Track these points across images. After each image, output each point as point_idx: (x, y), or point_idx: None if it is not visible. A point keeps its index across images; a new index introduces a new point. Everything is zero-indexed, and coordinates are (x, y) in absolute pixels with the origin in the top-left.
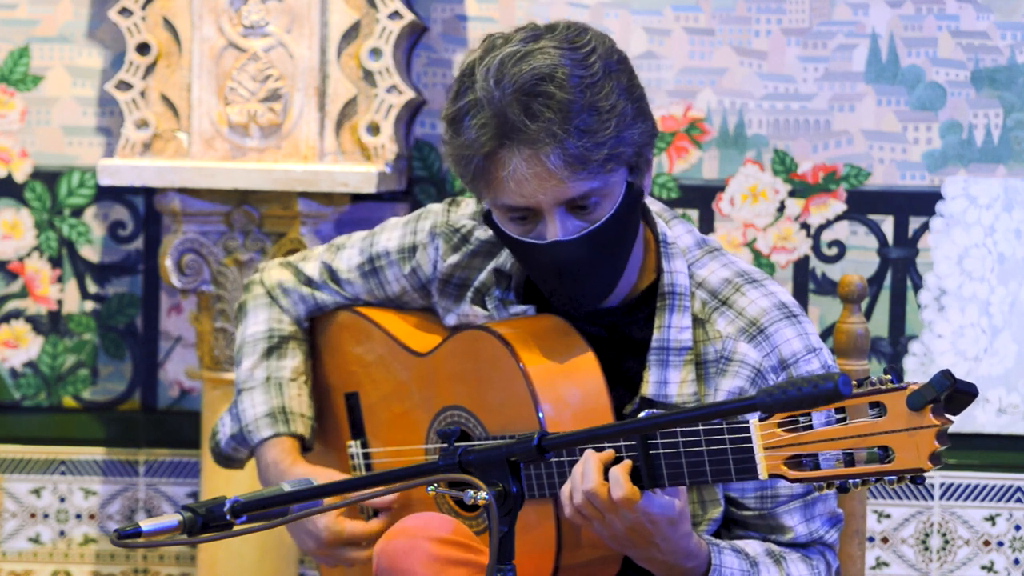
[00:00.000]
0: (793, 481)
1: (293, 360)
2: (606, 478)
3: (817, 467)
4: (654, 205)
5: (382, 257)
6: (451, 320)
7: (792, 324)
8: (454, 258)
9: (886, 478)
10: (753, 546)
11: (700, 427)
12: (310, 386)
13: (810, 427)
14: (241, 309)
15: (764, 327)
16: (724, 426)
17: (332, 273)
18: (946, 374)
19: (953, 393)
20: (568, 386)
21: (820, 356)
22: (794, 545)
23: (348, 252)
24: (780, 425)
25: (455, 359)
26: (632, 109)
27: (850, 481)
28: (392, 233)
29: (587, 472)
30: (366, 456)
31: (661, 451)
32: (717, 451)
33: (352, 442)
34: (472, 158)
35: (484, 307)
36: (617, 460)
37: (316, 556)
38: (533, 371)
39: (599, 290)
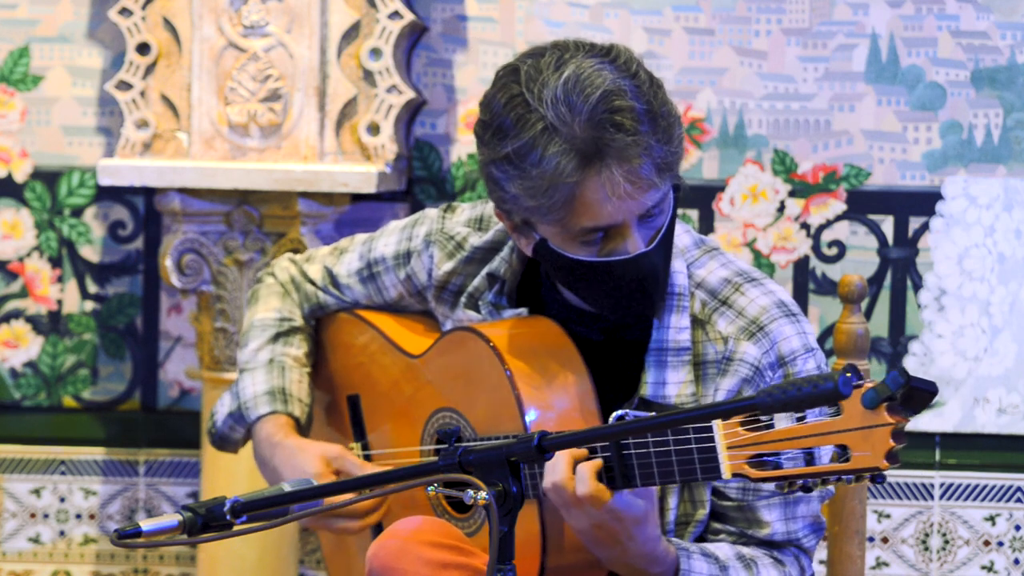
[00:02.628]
0: (755, 480)
1: (299, 350)
2: (575, 473)
3: (779, 467)
4: None
5: (379, 263)
6: (449, 326)
7: (792, 322)
8: (448, 265)
9: (844, 477)
10: (724, 549)
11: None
12: (311, 378)
13: (771, 426)
14: (253, 296)
15: (764, 324)
16: (690, 425)
17: (333, 278)
18: (901, 372)
19: (911, 391)
20: (554, 390)
21: (816, 356)
22: (770, 543)
23: (349, 256)
24: (742, 424)
25: (445, 361)
26: (676, 111)
27: (810, 481)
28: (389, 239)
29: (556, 465)
30: (367, 459)
31: (633, 451)
32: (683, 451)
33: (354, 444)
34: (556, 187)
35: (478, 311)
36: (590, 458)
37: (311, 525)
38: (518, 375)
39: (662, 294)
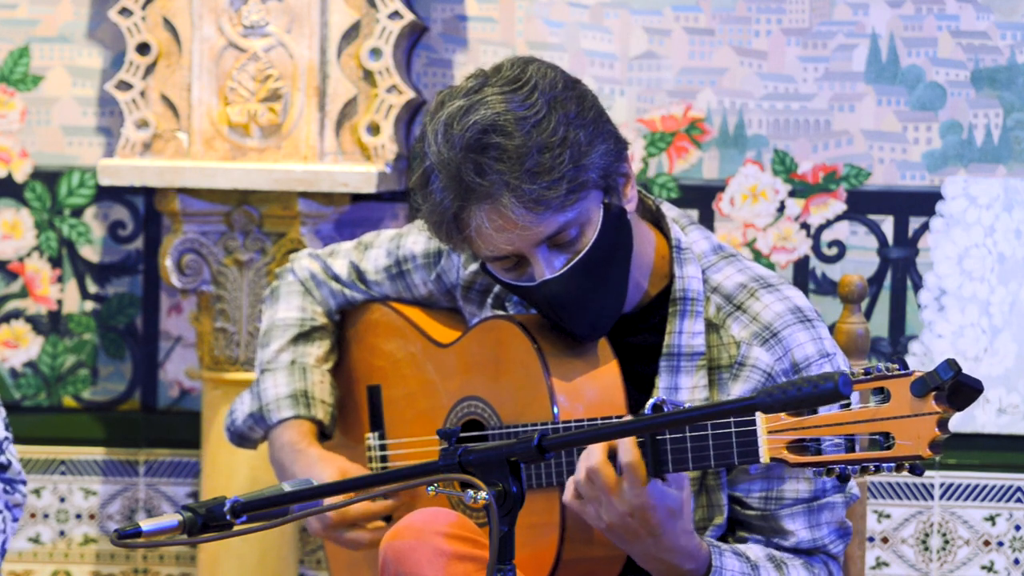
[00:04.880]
0: (793, 465)
1: (319, 349)
2: (610, 460)
3: (819, 452)
4: (670, 211)
5: (409, 260)
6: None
7: (806, 328)
8: (474, 265)
9: (885, 465)
10: (755, 550)
11: None
12: (332, 375)
13: (815, 411)
14: (273, 293)
15: (777, 331)
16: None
17: (360, 273)
18: (951, 363)
19: (958, 385)
20: (585, 380)
21: (833, 361)
22: (797, 551)
23: (375, 252)
24: None
25: (477, 348)
26: (586, 135)
27: (850, 468)
28: (419, 236)
29: (591, 451)
30: (382, 448)
31: (667, 435)
32: (721, 434)
33: (370, 434)
34: (442, 222)
35: (505, 312)
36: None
37: (321, 536)
38: (552, 362)
39: (606, 313)
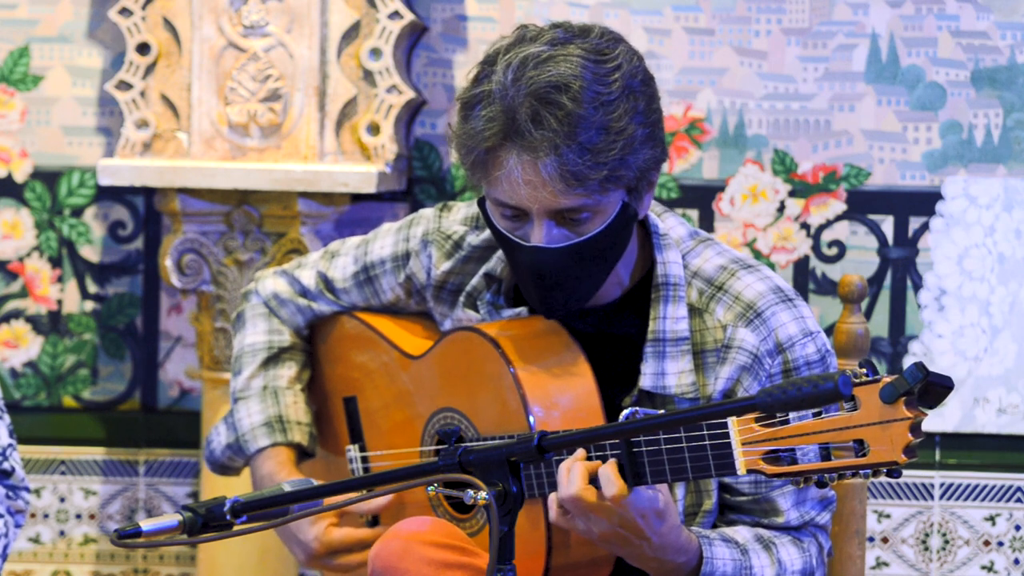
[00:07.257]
0: (771, 476)
1: (290, 370)
2: (591, 483)
3: (794, 461)
4: None
5: (377, 266)
6: (447, 325)
7: (788, 308)
8: (447, 265)
9: (861, 472)
10: (742, 532)
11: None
12: (306, 393)
13: (787, 422)
14: (239, 319)
15: (761, 311)
16: (703, 422)
17: (328, 283)
18: (919, 366)
19: (927, 386)
20: (558, 388)
21: (816, 340)
22: (786, 528)
23: (342, 260)
24: (757, 420)
25: (447, 361)
26: (643, 133)
27: (827, 475)
28: (385, 240)
29: (572, 478)
30: (364, 460)
31: (644, 448)
32: (696, 447)
33: (351, 446)
34: (474, 148)
35: (476, 311)
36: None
37: (308, 567)
38: (523, 374)
39: (573, 300)
